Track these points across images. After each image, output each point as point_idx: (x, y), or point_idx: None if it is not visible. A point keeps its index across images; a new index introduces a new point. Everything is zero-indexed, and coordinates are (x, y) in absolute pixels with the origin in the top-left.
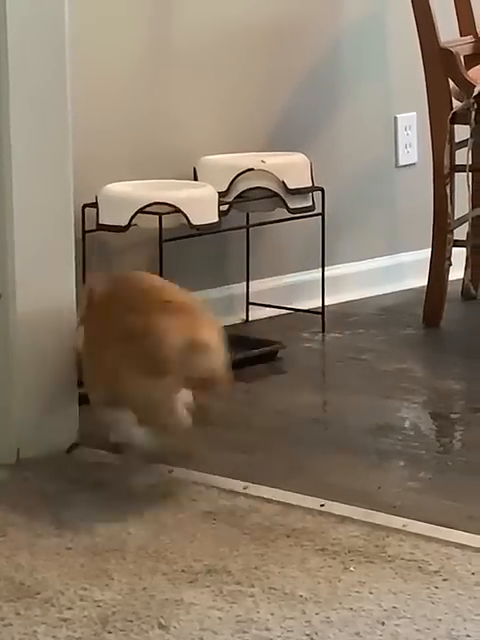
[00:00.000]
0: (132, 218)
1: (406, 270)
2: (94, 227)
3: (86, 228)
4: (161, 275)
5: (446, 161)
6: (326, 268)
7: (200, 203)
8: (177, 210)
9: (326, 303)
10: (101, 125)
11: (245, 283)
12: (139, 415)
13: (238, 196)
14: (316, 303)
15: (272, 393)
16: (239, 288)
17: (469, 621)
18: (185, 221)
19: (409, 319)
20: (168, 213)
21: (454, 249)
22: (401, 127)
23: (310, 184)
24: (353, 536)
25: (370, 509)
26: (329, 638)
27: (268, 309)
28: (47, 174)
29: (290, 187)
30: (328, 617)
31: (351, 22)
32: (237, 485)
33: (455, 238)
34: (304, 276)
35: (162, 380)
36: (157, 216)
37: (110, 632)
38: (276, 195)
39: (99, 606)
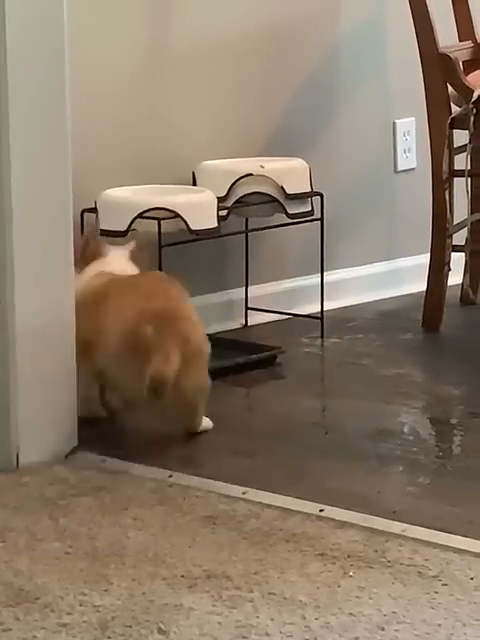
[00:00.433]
0: (131, 223)
1: (405, 275)
2: None
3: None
4: None
5: (445, 166)
6: (325, 273)
7: (199, 208)
8: (176, 215)
9: (325, 308)
10: (100, 130)
11: (244, 288)
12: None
13: (237, 201)
14: (315, 308)
15: (271, 398)
16: (238, 293)
17: (468, 626)
18: (184, 226)
19: (408, 324)
20: (167, 218)
21: (453, 254)
22: (400, 132)
23: (309, 189)
24: (352, 541)
25: (369, 514)
26: None
27: (267, 314)
28: (46, 179)
29: (289, 192)
30: (327, 622)
31: (350, 27)
32: (236, 490)
33: (454, 243)
34: (303, 281)
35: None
36: (156, 221)
37: (109, 637)
38: (275, 200)
39: (98, 611)
